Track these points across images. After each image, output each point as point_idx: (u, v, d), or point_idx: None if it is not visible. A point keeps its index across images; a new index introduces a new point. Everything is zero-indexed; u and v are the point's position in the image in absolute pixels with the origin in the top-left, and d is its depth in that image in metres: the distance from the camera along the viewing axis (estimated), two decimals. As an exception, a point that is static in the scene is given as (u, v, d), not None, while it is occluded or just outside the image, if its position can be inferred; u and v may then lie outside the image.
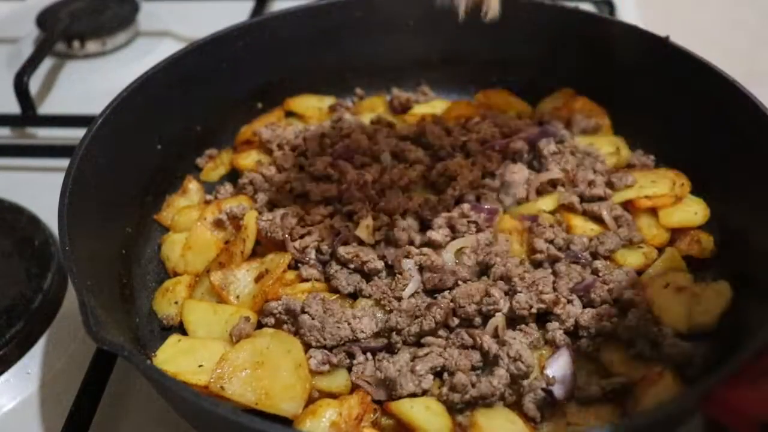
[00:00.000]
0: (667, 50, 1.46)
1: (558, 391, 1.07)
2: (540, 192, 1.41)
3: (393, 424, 1.07)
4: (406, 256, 1.25)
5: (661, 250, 1.33)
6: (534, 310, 1.16)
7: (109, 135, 1.29)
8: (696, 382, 1.11)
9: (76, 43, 2.11)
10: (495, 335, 1.14)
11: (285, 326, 1.18)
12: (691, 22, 3.29)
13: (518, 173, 1.41)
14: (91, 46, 2.12)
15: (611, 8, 2.09)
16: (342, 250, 1.26)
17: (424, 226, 1.33)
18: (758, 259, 1.22)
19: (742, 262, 1.27)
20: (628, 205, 1.40)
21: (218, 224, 1.37)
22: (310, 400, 1.08)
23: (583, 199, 1.40)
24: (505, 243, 1.29)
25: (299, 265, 1.29)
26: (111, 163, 1.30)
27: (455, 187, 1.39)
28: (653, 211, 1.38)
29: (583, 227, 1.35)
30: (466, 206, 1.34)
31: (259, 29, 1.60)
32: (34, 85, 1.92)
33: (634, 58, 1.52)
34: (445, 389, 1.08)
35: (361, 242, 1.30)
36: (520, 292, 1.18)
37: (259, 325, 1.21)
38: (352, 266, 1.26)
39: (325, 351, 1.13)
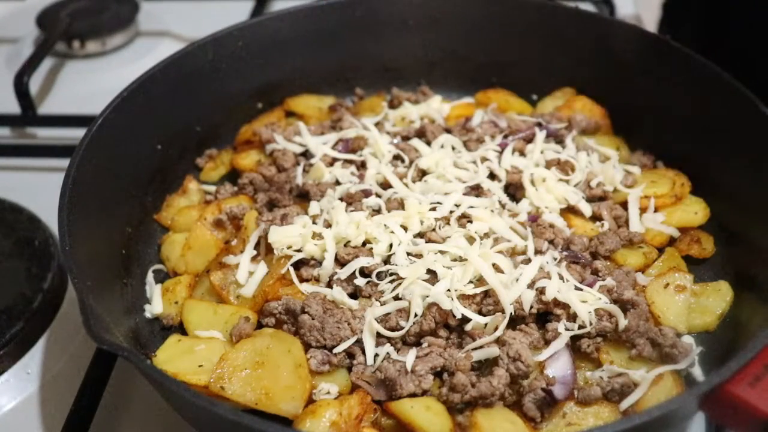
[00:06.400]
0: (667, 50, 1.46)
1: (558, 391, 1.07)
2: None
3: (393, 424, 1.07)
4: None
5: (661, 250, 1.33)
6: (534, 310, 1.16)
7: (109, 135, 1.29)
8: (696, 382, 1.11)
9: (76, 43, 2.11)
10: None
11: (285, 326, 1.18)
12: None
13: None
14: (91, 46, 2.13)
15: (611, 8, 2.09)
16: (342, 251, 1.26)
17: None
18: (758, 259, 1.22)
19: (742, 262, 1.27)
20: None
21: (218, 224, 1.37)
22: (310, 400, 1.08)
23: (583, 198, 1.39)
24: None
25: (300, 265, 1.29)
26: (111, 163, 1.30)
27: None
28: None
29: (584, 227, 1.35)
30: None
31: (259, 29, 1.61)
32: (34, 85, 1.92)
33: (634, 58, 1.52)
34: (445, 389, 1.08)
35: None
36: None
37: (259, 325, 1.21)
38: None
39: (325, 351, 1.13)
